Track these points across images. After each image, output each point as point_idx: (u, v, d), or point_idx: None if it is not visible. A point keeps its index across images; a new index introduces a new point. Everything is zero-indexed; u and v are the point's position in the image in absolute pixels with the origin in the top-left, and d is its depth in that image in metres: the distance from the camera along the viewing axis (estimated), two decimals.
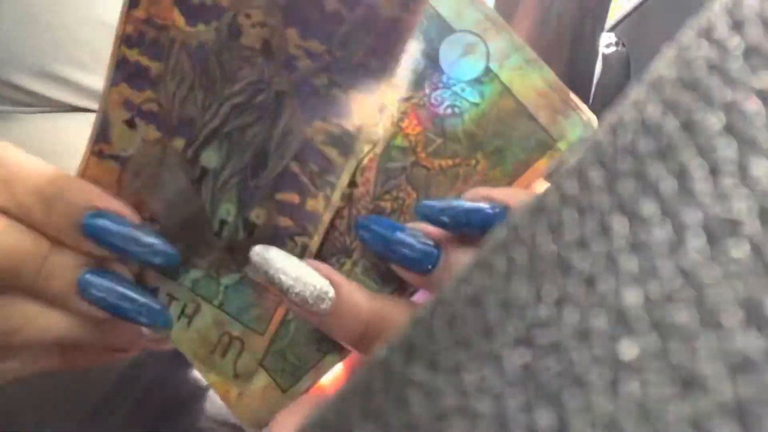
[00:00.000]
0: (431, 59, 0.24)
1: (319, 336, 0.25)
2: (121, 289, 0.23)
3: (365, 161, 0.24)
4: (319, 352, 0.25)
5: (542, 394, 0.10)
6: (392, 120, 0.24)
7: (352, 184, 0.24)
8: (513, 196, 0.23)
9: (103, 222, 0.22)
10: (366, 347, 0.23)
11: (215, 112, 0.23)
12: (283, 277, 0.22)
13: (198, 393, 0.37)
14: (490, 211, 0.22)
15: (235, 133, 0.24)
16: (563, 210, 0.11)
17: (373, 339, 0.23)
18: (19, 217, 0.22)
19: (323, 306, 0.22)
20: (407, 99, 0.24)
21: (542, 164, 0.24)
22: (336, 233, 0.25)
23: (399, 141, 0.24)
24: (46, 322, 0.23)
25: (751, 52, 0.11)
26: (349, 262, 0.25)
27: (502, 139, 0.24)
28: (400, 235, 0.23)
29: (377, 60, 0.22)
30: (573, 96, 0.24)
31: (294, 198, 0.24)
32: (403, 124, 0.24)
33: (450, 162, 0.24)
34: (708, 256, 0.10)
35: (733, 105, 0.10)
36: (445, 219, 0.22)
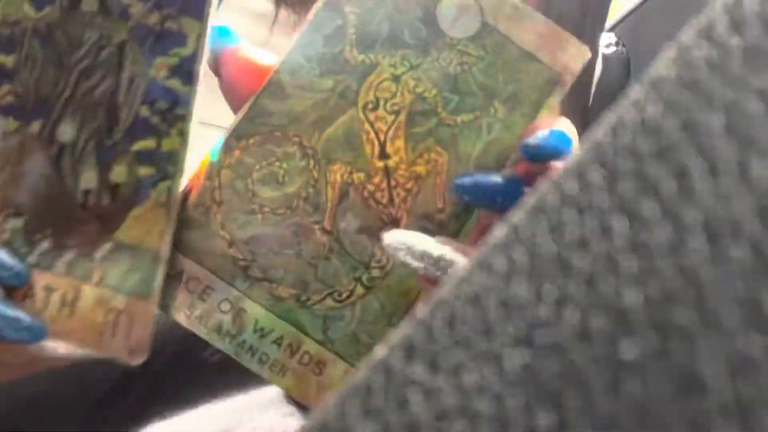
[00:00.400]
0: (430, 24, 0.26)
1: (389, 310, 0.26)
2: None
3: (391, 131, 0.26)
4: (390, 325, 0.26)
5: (542, 394, 0.10)
6: (408, 88, 0.26)
7: (385, 155, 0.26)
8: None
9: None
10: None
11: (65, 83, 0.24)
12: (421, 254, 0.23)
13: (215, 374, 0.37)
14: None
15: (85, 98, 0.24)
16: (563, 210, 0.11)
17: None
18: None
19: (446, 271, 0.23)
20: (417, 66, 0.26)
21: (554, 99, 0.26)
22: (380, 207, 0.26)
23: (419, 106, 0.26)
24: None
25: (751, 52, 0.11)
26: None
27: (513, 85, 0.26)
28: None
29: None
30: (562, 30, 0.26)
31: (150, 143, 0.24)
32: (420, 90, 0.26)
33: (471, 116, 0.26)
34: (708, 256, 0.10)
35: (733, 105, 0.10)
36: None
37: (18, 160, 0.24)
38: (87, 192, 0.24)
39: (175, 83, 0.24)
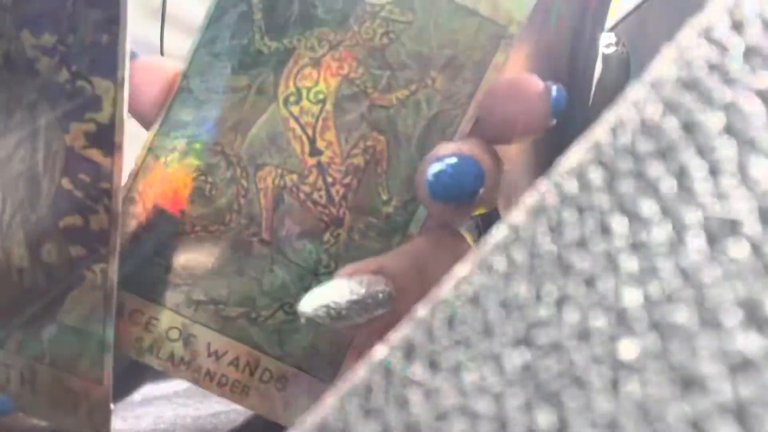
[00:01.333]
0: None
1: None
2: None
3: (319, 123, 0.23)
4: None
5: (542, 394, 0.10)
6: (331, 71, 0.23)
7: (316, 151, 0.23)
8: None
9: None
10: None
11: None
12: (347, 306, 0.21)
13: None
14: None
15: (3, 167, 0.22)
16: (563, 210, 0.11)
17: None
18: None
19: (385, 302, 0.21)
20: (338, 44, 0.23)
21: (501, 57, 0.22)
22: (319, 207, 0.23)
23: (346, 89, 0.23)
24: None
25: (751, 52, 0.11)
26: (344, 232, 0.23)
27: (449, 48, 0.23)
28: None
29: (107, 33, 0.21)
30: None
31: (77, 220, 0.22)
32: (344, 71, 0.23)
33: (406, 91, 0.23)
34: (708, 256, 0.10)
35: (733, 105, 0.10)
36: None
37: None
38: (21, 270, 0.22)
39: (94, 153, 0.21)
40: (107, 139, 0.21)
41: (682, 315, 0.09)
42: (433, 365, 0.10)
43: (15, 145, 0.22)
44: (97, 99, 0.21)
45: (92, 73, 0.21)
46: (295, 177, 0.23)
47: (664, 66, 0.11)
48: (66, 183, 0.21)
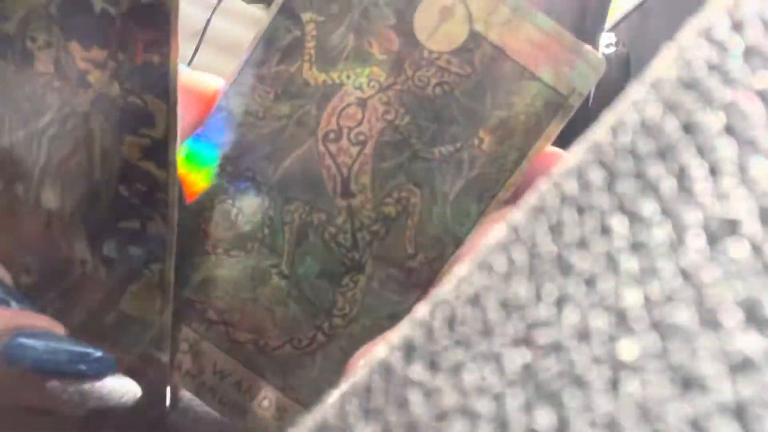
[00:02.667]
0: (406, 34, 0.22)
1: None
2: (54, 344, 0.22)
3: (356, 165, 0.22)
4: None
5: (542, 394, 0.10)
6: (377, 114, 0.22)
7: (348, 193, 0.23)
8: None
9: (21, 341, 0.21)
10: None
11: (37, 149, 0.22)
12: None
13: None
14: None
15: (61, 167, 0.22)
16: (563, 210, 0.11)
17: None
18: None
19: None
20: (388, 87, 0.22)
21: (555, 127, 0.21)
22: (343, 250, 0.23)
23: (389, 136, 0.22)
24: None
25: (751, 52, 0.11)
26: (363, 278, 0.23)
27: (504, 109, 0.21)
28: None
29: (158, 54, 0.21)
30: (575, 40, 0.21)
31: (134, 224, 0.22)
32: (390, 116, 0.22)
33: (451, 148, 0.22)
34: (708, 256, 0.10)
35: (733, 105, 0.10)
36: None
37: (11, 220, 0.23)
38: (84, 262, 0.23)
39: (149, 166, 0.22)
40: (162, 153, 0.21)
41: (682, 315, 0.09)
42: (433, 365, 0.10)
43: (71, 150, 0.22)
44: (151, 116, 0.21)
45: (144, 92, 0.21)
46: (323, 216, 0.23)
47: (664, 66, 0.11)
48: (123, 190, 0.22)
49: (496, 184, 0.22)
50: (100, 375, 0.22)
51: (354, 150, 0.22)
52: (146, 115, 0.21)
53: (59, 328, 0.22)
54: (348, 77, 0.22)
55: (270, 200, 0.23)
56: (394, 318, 0.23)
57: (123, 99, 0.21)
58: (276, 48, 0.22)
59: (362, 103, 0.22)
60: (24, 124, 0.22)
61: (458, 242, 0.22)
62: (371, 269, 0.23)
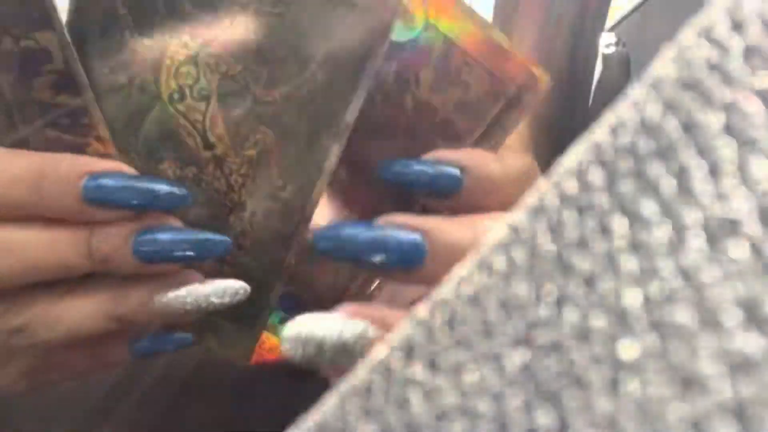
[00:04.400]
0: None
1: (264, 278, 0.25)
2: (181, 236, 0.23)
3: (207, 120, 0.23)
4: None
5: (542, 394, 0.10)
6: (210, 68, 0.23)
7: (209, 145, 0.23)
8: (470, 157, 0.23)
9: (102, 181, 0.21)
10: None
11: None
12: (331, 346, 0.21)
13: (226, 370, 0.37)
14: (454, 174, 0.23)
15: None
16: (563, 210, 0.11)
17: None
18: (15, 211, 0.21)
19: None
20: (212, 39, 0.23)
21: (381, 48, 0.22)
22: (221, 195, 0.24)
23: (228, 87, 0.23)
24: (57, 314, 0.23)
25: (751, 52, 0.11)
26: (247, 215, 0.24)
27: (327, 41, 0.22)
28: (378, 233, 0.22)
29: None
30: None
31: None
32: (223, 68, 0.23)
33: (289, 87, 0.23)
34: (708, 256, 0.10)
35: (733, 105, 0.10)
36: (411, 180, 0.23)
37: None
38: None
39: (65, 99, 0.22)
40: (70, 82, 0.22)
41: (682, 315, 0.09)
42: (433, 365, 0.10)
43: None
44: (47, 50, 0.21)
45: (31, 30, 0.21)
46: (194, 168, 0.24)
47: (664, 66, 0.11)
48: (50, 132, 0.22)
49: (339, 113, 0.23)
50: (220, 253, 0.23)
51: (201, 105, 0.23)
52: (43, 51, 0.21)
53: (125, 167, 0.22)
54: (171, 38, 0.23)
55: (143, 164, 0.23)
56: (282, 242, 0.25)
57: (17, 45, 0.21)
58: (90, 21, 0.22)
59: (193, 61, 0.23)
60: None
61: (321, 170, 0.24)
62: (252, 206, 0.24)
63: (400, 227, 0.22)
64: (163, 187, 0.22)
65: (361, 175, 0.25)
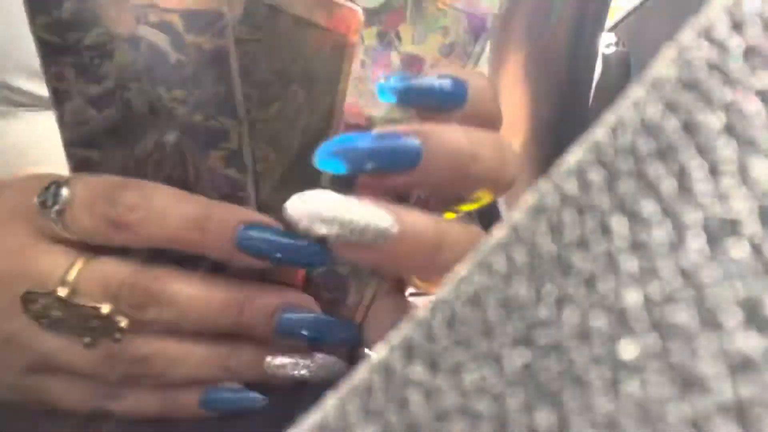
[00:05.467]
0: None
1: None
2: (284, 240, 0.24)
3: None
4: None
5: (542, 394, 0.10)
6: None
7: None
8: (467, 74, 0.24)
9: (255, 233, 0.24)
10: (436, 275, 0.24)
11: (144, 176, 0.25)
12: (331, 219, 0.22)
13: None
14: (450, 83, 0.23)
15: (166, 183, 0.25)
16: (563, 210, 0.11)
17: (443, 267, 0.22)
18: (171, 245, 0.24)
19: (384, 239, 0.22)
20: None
21: (348, 65, 0.24)
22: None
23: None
24: (178, 354, 0.25)
25: (751, 52, 0.11)
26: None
27: (300, 61, 0.24)
28: (377, 141, 0.23)
29: (224, 85, 0.24)
30: None
31: None
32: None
33: (277, 106, 0.24)
34: (708, 256, 0.10)
35: (733, 105, 0.10)
36: (409, 97, 0.23)
37: None
38: None
39: (231, 172, 0.25)
40: (239, 160, 0.25)
41: (682, 315, 0.09)
42: (433, 365, 0.10)
43: (170, 168, 0.25)
44: (227, 132, 0.24)
45: (219, 115, 0.24)
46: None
47: (664, 66, 0.11)
48: (211, 195, 0.25)
49: (325, 128, 0.25)
50: (314, 265, 0.26)
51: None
52: (224, 132, 0.24)
53: (274, 222, 0.24)
54: None
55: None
56: None
57: (205, 123, 0.24)
58: None
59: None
60: (129, 154, 0.25)
61: (317, 185, 0.25)
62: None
63: (397, 133, 0.23)
64: (303, 245, 0.24)
65: None
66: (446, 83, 0.23)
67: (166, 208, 0.23)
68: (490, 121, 0.25)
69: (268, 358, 0.26)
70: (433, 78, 0.23)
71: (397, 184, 0.23)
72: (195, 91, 0.24)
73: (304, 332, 0.25)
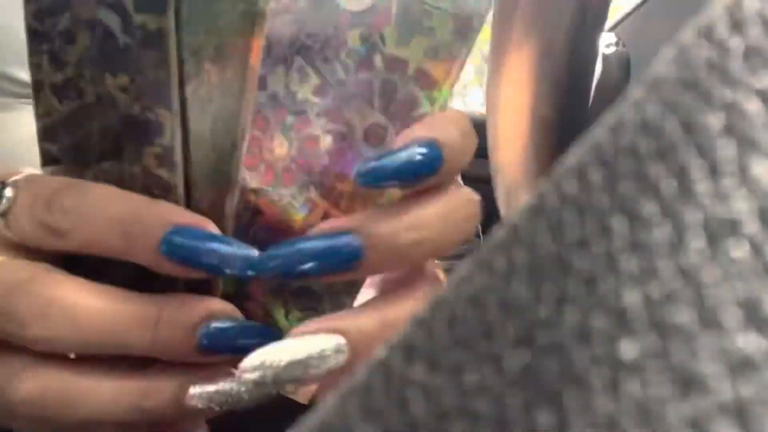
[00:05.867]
0: None
1: None
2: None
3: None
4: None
5: (542, 394, 0.10)
6: None
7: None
8: (437, 126, 0.22)
9: (182, 238, 0.21)
10: None
11: (91, 177, 0.24)
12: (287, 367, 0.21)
13: None
14: (422, 157, 0.22)
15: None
16: (563, 210, 0.11)
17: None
18: (102, 252, 0.21)
19: (339, 360, 0.21)
20: None
21: (257, 39, 0.22)
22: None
23: None
24: (77, 393, 0.21)
25: (751, 52, 0.11)
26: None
27: (216, 34, 0.22)
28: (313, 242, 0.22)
29: (162, 70, 0.22)
30: None
31: None
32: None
33: (189, 87, 0.23)
34: (708, 256, 0.10)
35: (733, 105, 0.10)
36: (385, 179, 0.22)
37: None
38: None
39: (163, 172, 0.23)
40: (170, 158, 0.23)
41: (682, 315, 0.09)
42: (433, 365, 0.10)
43: (109, 166, 0.23)
44: (162, 126, 0.22)
45: (156, 105, 0.22)
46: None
47: (664, 66, 0.11)
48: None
49: (238, 109, 0.23)
50: (246, 272, 0.22)
51: None
52: (158, 126, 0.22)
53: (211, 225, 0.22)
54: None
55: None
56: None
57: (143, 115, 0.22)
58: None
59: None
60: (81, 149, 0.23)
61: (229, 179, 0.24)
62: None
63: (332, 231, 0.22)
64: (235, 251, 0.22)
65: (349, 145, 0.25)
66: (421, 156, 0.21)
67: (95, 211, 0.21)
68: (464, 164, 0.23)
69: (193, 390, 0.22)
70: (406, 152, 0.22)
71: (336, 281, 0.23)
72: (137, 77, 0.22)
73: (232, 344, 0.22)
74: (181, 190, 0.23)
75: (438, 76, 0.24)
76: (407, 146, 0.22)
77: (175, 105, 0.22)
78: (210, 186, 0.24)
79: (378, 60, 0.24)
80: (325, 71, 0.25)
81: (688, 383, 0.09)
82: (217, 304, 0.23)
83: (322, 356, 0.21)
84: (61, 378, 0.21)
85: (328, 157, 0.25)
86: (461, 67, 0.24)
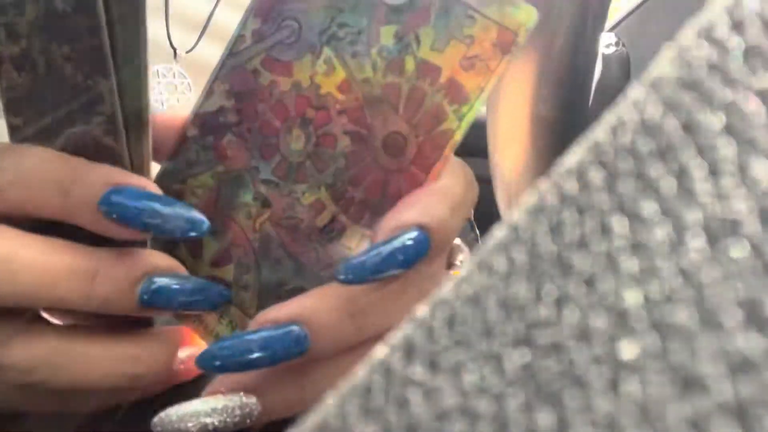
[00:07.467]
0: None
1: None
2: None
3: None
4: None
5: (542, 394, 0.10)
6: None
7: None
8: (427, 206, 0.22)
9: (122, 197, 0.21)
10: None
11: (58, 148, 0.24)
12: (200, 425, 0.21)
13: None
14: (411, 243, 0.21)
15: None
16: (563, 210, 0.11)
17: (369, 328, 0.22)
18: (37, 211, 0.21)
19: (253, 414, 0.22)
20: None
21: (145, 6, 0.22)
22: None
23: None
24: (69, 360, 0.21)
25: (751, 52, 0.11)
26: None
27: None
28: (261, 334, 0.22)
29: (97, 38, 0.23)
30: None
31: None
32: None
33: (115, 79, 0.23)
34: (708, 256, 0.10)
35: (733, 105, 0.10)
36: (371, 275, 0.21)
37: None
38: None
39: (108, 141, 0.23)
40: (113, 126, 0.23)
41: (682, 315, 0.09)
42: (433, 365, 0.10)
43: (68, 139, 0.23)
44: (101, 95, 0.23)
45: (94, 74, 0.22)
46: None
47: (664, 66, 0.11)
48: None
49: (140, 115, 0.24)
50: (190, 233, 0.23)
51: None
52: (99, 95, 0.22)
53: (152, 186, 0.22)
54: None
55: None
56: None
57: (85, 84, 0.22)
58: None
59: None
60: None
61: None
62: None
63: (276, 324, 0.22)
64: (177, 212, 0.22)
65: (366, 150, 0.24)
66: (408, 247, 0.21)
67: (33, 170, 0.21)
68: (453, 239, 0.23)
69: (168, 411, 0.21)
70: (391, 244, 0.21)
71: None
72: (76, 45, 0.22)
73: (174, 301, 0.22)
74: (127, 160, 0.23)
75: (470, 89, 0.23)
76: (393, 237, 0.21)
77: (109, 69, 0.22)
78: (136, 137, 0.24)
79: (410, 63, 0.23)
80: (352, 67, 0.24)
81: (688, 383, 0.09)
82: (158, 258, 0.22)
83: (227, 412, 0.21)
84: (50, 344, 0.21)
85: (344, 159, 0.24)
86: (496, 83, 0.22)
